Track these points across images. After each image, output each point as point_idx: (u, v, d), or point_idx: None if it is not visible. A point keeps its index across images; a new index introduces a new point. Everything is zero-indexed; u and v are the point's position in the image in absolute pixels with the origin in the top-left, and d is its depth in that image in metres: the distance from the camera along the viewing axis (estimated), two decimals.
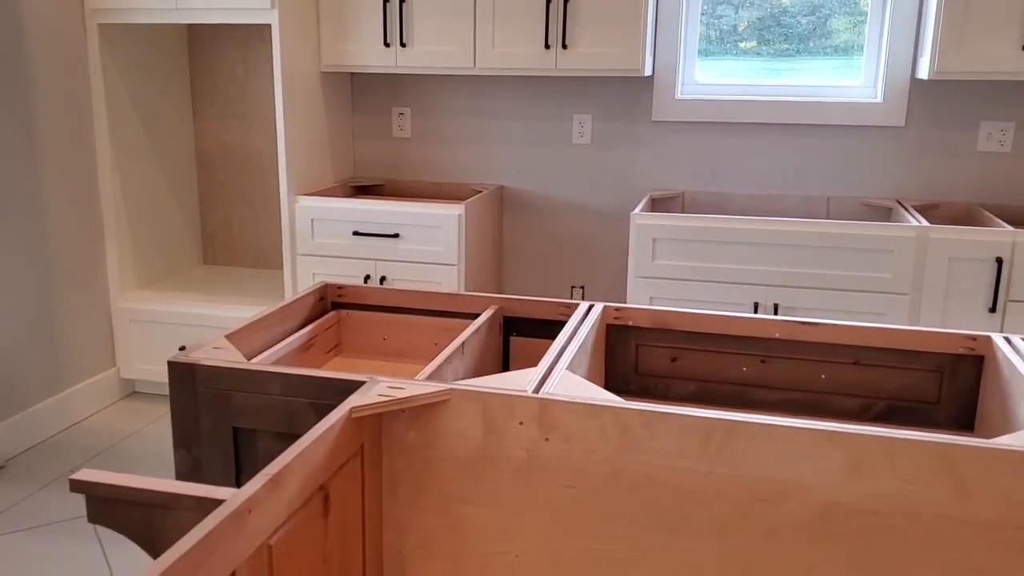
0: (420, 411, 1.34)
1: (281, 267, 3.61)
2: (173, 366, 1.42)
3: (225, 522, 0.94)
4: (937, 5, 2.69)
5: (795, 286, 2.69)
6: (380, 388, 1.33)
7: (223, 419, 1.42)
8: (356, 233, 2.99)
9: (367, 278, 3.01)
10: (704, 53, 3.28)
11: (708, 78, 3.28)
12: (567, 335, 1.59)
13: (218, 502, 1.01)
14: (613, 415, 1.26)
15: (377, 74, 3.45)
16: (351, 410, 1.25)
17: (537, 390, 1.32)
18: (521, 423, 1.30)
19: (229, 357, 1.46)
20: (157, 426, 3.07)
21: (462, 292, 1.86)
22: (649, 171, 3.28)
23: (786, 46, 3.24)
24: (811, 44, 3.22)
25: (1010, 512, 1.16)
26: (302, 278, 3.08)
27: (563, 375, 1.39)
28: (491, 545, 1.34)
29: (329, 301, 1.92)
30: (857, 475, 1.20)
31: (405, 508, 1.37)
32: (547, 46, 2.96)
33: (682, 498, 1.26)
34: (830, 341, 1.70)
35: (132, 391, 3.38)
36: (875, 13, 3.08)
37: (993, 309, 2.58)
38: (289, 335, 1.78)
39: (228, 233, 3.66)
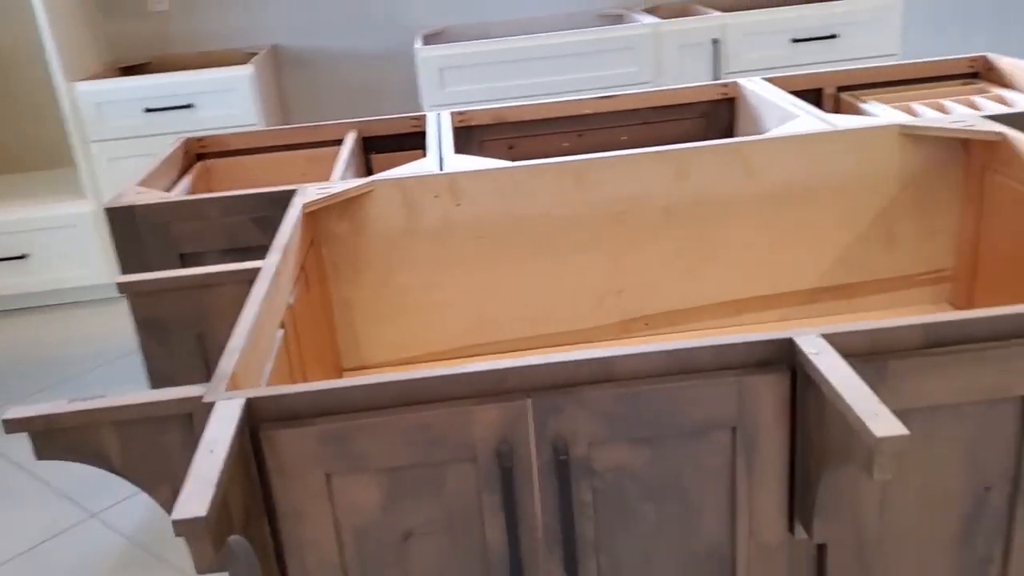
0: (348, 204, 1.62)
1: (64, 164, 3.53)
2: (111, 211, 1.59)
3: (274, 284, 1.21)
4: None
5: (566, 91, 3.13)
6: (313, 191, 1.60)
7: (169, 249, 1.62)
8: (148, 110, 3.03)
9: None
10: None
11: None
12: (435, 137, 1.91)
13: (255, 270, 1.26)
14: (506, 174, 1.62)
15: None
16: (304, 206, 1.51)
17: (442, 170, 1.65)
18: (436, 196, 1.63)
19: (157, 197, 1.64)
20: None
21: (322, 122, 2.10)
22: (414, 10, 3.54)
23: None
24: None
25: (783, 182, 1.67)
26: (100, 167, 3.08)
27: (454, 157, 1.73)
28: (425, 299, 1.69)
29: (193, 154, 2.08)
30: (683, 179, 1.66)
31: (348, 286, 1.67)
32: None
33: (566, 226, 1.66)
34: (625, 108, 2.14)
35: None
36: None
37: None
38: (170, 191, 1.95)
39: None
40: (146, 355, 1.65)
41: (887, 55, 3.23)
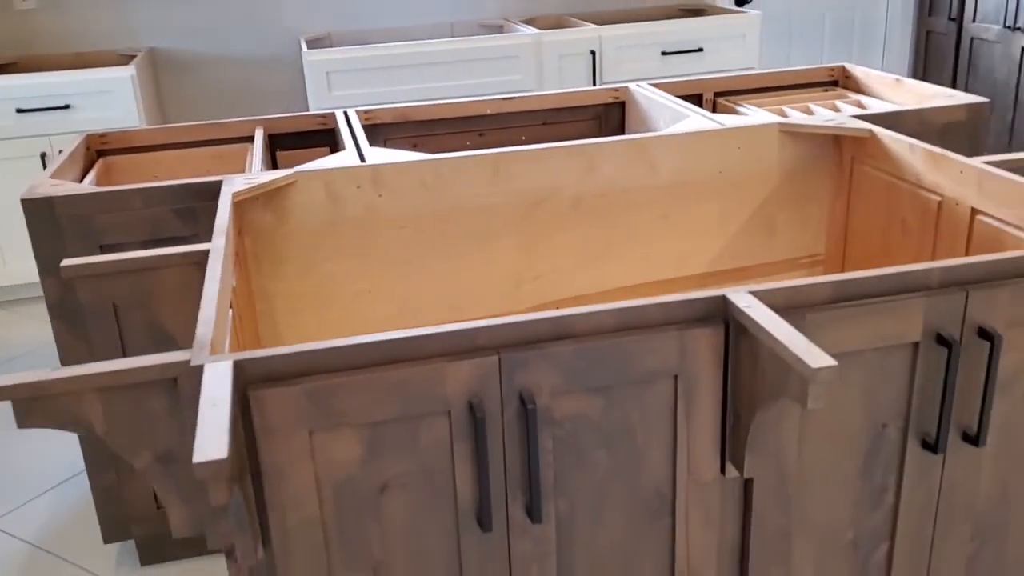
0: (272, 196, 1.65)
1: None
2: (28, 202, 1.56)
3: (224, 263, 1.25)
4: None
5: (451, 96, 3.22)
6: (239, 182, 1.62)
7: (89, 240, 1.60)
8: (20, 111, 2.92)
9: (43, 155, 2.97)
10: None
11: None
12: (347, 133, 1.96)
13: (205, 252, 1.29)
14: (428, 166, 1.70)
15: None
16: (233, 195, 1.54)
17: (364, 161, 1.71)
18: (359, 187, 1.68)
19: (75, 188, 1.62)
20: None
21: (227, 120, 2.10)
22: (295, 16, 3.55)
23: None
24: None
25: (680, 175, 1.82)
26: None
27: (373, 150, 1.79)
28: (348, 288, 1.74)
29: (94, 151, 2.05)
30: (591, 172, 1.78)
31: (270, 277, 1.70)
32: None
33: (483, 216, 1.75)
34: (524, 109, 2.26)
35: None
36: None
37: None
38: None
39: None
40: (59, 343, 1.63)
41: (747, 68, 3.50)
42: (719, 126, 1.84)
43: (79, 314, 1.64)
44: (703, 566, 1.18)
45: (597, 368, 1.05)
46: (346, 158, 1.74)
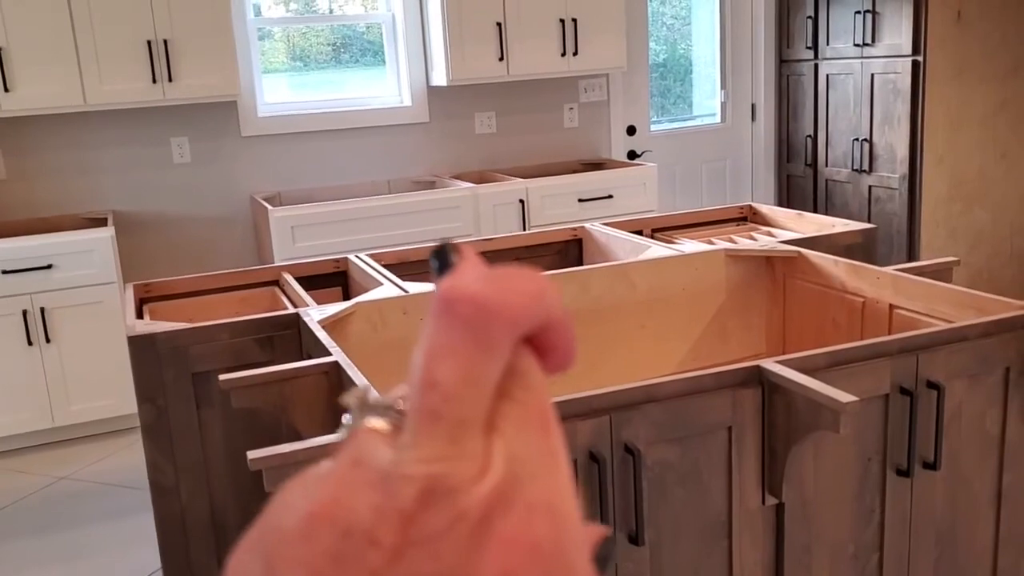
0: (336, 322, 1.96)
1: None
2: (134, 339, 1.81)
3: (343, 376, 1.55)
4: (443, 35, 3.82)
5: (401, 244, 3.60)
6: (316, 313, 1.92)
7: (183, 368, 1.85)
8: (5, 272, 3.08)
9: (25, 312, 3.12)
10: (267, 71, 3.97)
11: (279, 97, 3.99)
12: (375, 272, 2.30)
13: (331, 363, 1.59)
14: None
15: None
16: (320, 321, 1.84)
17: (406, 292, 2.05)
18: (405, 313, 2.02)
19: (171, 326, 1.88)
20: None
21: (252, 267, 2.40)
22: (246, 178, 3.88)
23: (326, 63, 4.10)
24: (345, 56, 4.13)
25: (653, 292, 2.25)
26: None
27: (407, 284, 2.13)
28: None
29: (138, 298, 2.29)
30: (586, 292, 2.19)
31: None
32: (154, 80, 3.39)
33: None
34: (501, 247, 2.67)
35: None
36: (389, 42, 4.12)
37: None
38: None
39: None
40: (149, 462, 1.84)
41: (648, 210, 4.07)
42: (679, 252, 2.29)
43: (168, 437, 1.86)
44: None
45: (676, 422, 1.41)
46: (389, 290, 2.08)
